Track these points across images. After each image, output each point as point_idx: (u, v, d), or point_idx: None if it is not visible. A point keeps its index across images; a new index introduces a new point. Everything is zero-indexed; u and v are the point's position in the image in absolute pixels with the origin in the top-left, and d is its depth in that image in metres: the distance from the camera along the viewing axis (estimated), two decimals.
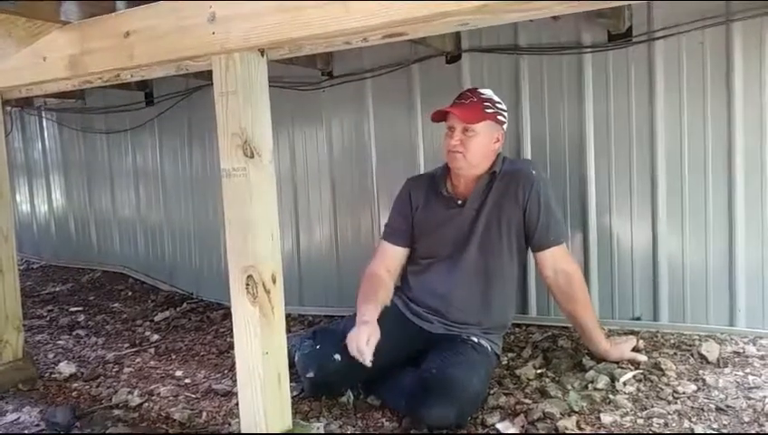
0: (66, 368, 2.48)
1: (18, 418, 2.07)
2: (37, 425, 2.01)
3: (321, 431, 1.72)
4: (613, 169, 2.41)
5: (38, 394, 2.28)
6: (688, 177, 2.28)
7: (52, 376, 2.44)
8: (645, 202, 2.37)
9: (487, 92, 2.08)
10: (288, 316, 1.70)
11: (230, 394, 2.16)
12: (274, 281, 1.58)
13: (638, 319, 2.42)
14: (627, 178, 2.39)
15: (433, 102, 2.63)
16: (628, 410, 1.80)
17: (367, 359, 1.82)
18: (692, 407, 1.78)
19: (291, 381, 1.69)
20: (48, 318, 3.31)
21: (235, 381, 1.67)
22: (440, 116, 2.07)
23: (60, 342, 2.91)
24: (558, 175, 2.48)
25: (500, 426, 1.77)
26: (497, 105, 2.06)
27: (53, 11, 1.73)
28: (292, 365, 1.86)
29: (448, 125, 2.05)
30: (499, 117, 2.06)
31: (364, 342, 1.84)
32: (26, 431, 1.96)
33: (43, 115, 4.53)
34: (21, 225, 4.86)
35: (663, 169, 2.32)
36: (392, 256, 2.19)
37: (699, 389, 1.88)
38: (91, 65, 1.79)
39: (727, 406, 1.76)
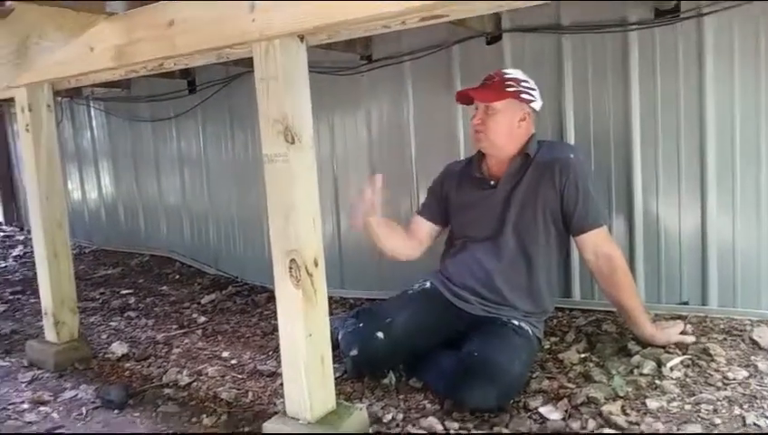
0: (119, 348, 2.58)
1: (76, 395, 2.17)
2: (93, 402, 2.10)
3: (364, 412, 1.74)
4: (660, 151, 2.34)
5: (93, 373, 2.38)
6: (740, 158, 2.19)
7: (106, 356, 2.54)
8: (693, 184, 2.29)
9: (513, 72, 2.09)
10: (330, 299, 1.73)
11: (275, 375, 2.21)
12: (316, 264, 1.61)
13: (686, 303, 2.36)
14: (674, 160, 2.32)
15: (473, 84, 2.60)
16: (675, 395, 1.76)
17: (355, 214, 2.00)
18: (743, 393, 1.73)
19: (333, 363, 1.72)
20: (100, 300, 3.44)
21: (280, 362, 1.71)
22: (465, 99, 2.09)
23: (112, 323, 3.02)
24: (602, 157, 2.43)
25: (543, 410, 1.76)
26: (522, 84, 2.04)
27: (100, 3, 1.78)
28: (334, 347, 1.89)
29: (474, 106, 2.08)
30: (523, 95, 2.04)
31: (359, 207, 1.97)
32: (84, 408, 2.05)
33: (91, 104, 4.67)
34: (73, 211, 5.03)
35: (713, 150, 2.24)
36: (416, 223, 2.29)
37: (751, 375, 1.83)
38: (136, 55, 1.83)
39: None
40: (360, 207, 1.99)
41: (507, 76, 2.06)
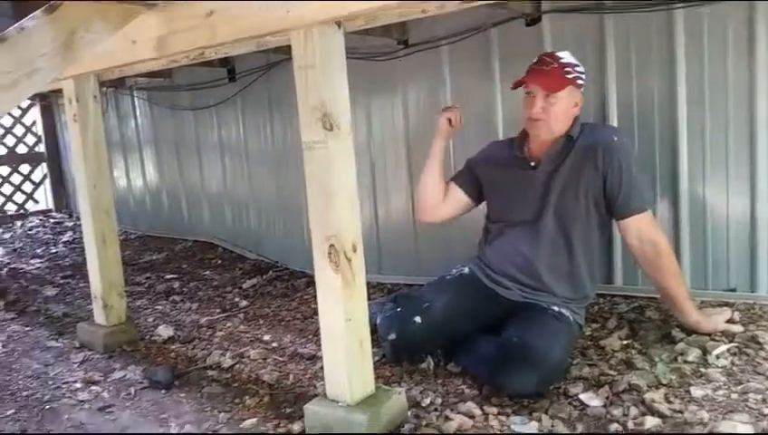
0: (164, 331, 2.66)
1: (125, 375, 2.25)
2: (141, 382, 2.18)
3: (403, 396, 1.76)
4: (707, 134, 2.26)
5: (140, 355, 2.46)
6: None
7: (152, 338, 2.62)
8: (743, 168, 2.22)
9: (566, 55, 2.03)
10: (368, 284, 1.74)
11: (315, 358, 2.25)
12: (355, 250, 1.62)
13: (734, 290, 2.29)
14: (722, 143, 2.24)
15: (512, 68, 2.57)
16: (721, 384, 1.73)
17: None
18: None
19: (372, 347, 1.74)
20: (146, 285, 3.54)
21: (320, 345, 1.74)
22: (518, 82, 2.04)
23: (158, 307, 3.11)
24: (646, 141, 2.37)
25: (583, 396, 1.75)
26: (576, 69, 2.01)
27: None
28: (373, 332, 1.91)
29: (526, 91, 2.02)
30: (578, 81, 2.01)
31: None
32: (132, 388, 2.13)
33: (135, 94, 4.77)
34: (119, 199, 5.17)
35: (764, 134, 2.16)
36: (448, 188, 2.29)
37: None
38: (177, 45, 1.87)
39: None
40: (451, 113, 2.21)
41: (563, 61, 2.01)
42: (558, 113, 1.99)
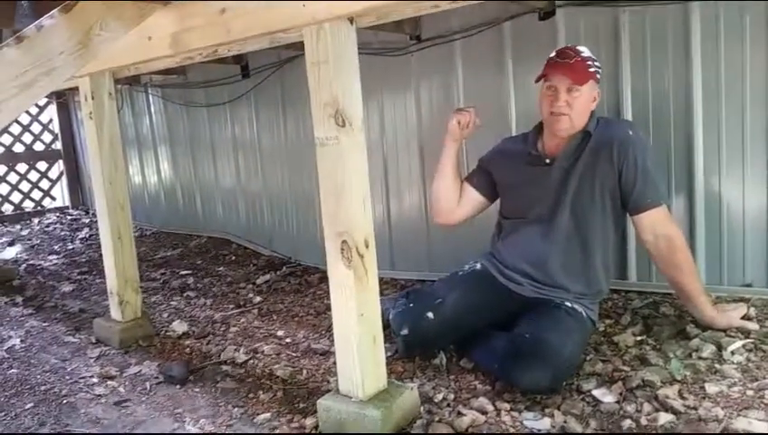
0: (179, 326, 2.69)
1: (140, 370, 2.27)
2: (156, 377, 2.20)
3: (415, 391, 1.77)
4: (724, 128, 2.23)
5: (155, 350, 2.49)
6: None
7: (167, 334, 2.65)
8: (760, 162, 2.19)
9: (585, 50, 2.01)
10: (380, 280, 1.75)
11: (328, 353, 2.26)
12: (367, 246, 1.63)
13: (749, 286, 2.27)
14: (739, 138, 2.21)
15: (526, 62, 2.56)
16: (737, 380, 1.71)
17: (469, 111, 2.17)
18: None
19: (385, 343, 1.75)
20: (161, 281, 3.58)
21: (333, 341, 1.75)
22: (542, 76, 2.01)
23: (173, 302, 3.15)
24: (661, 136, 2.35)
25: (596, 392, 1.74)
26: (595, 63, 2.00)
27: None
28: (385, 327, 1.91)
29: (548, 85, 1.99)
30: (598, 75, 2.00)
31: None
32: (148, 383, 2.15)
33: (150, 91, 4.81)
34: (134, 195, 5.22)
35: None
36: (462, 189, 2.28)
37: None
38: (191, 42, 1.88)
39: None
40: (461, 115, 2.16)
41: (584, 55, 1.98)
42: (579, 107, 1.96)
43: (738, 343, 1.88)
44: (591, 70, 1.97)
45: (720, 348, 1.87)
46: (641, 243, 2.05)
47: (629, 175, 1.95)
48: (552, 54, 2.02)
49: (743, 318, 2.00)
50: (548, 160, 2.06)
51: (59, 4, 1.59)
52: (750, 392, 1.65)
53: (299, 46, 1.66)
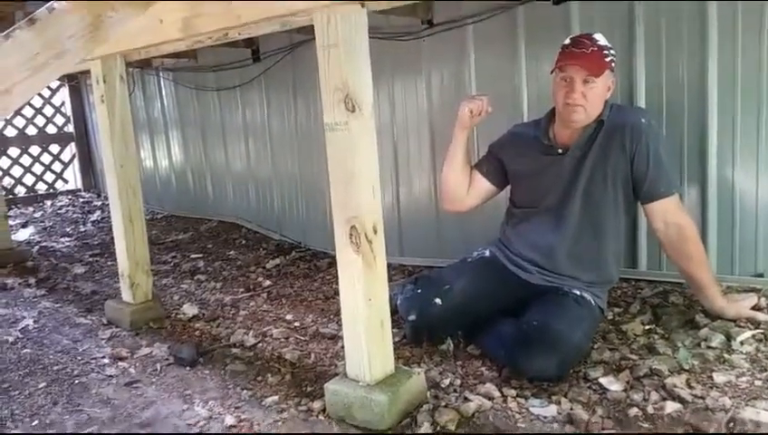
0: (189, 309, 2.71)
1: (151, 352, 2.30)
2: (166, 359, 2.23)
3: (422, 377, 1.77)
4: (738, 119, 2.20)
5: (166, 332, 2.51)
6: None
7: (178, 316, 2.68)
8: None
9: (601, 38, 1.96)
10: (389, 266, 1.75)
11: (336, 337, 2.27)
12: (376, 231, 1.63)
13: (761, 276, 2.25)
14: (754, 128, 2.18)
15: (538, 48, 2.53)
16: (745, 370, 1.71)
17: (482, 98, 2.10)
18: None
19: (393, 328, 1.75)
20: (172, 264, 3.61)
21: (341, 325, 1.76)
22: (559, 65, 1.95)
23: (183, 285, 3.17)
24: (674, 126, 2.31)
25: (603, 380, 1.74)
26: (611, 51, 1.95)
27: None
28: (393, 313, 1.92)
29: (562, 75, 1.93)
30: (613, 64, 1.96)
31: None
32: (158, 364, 2.18)
33: (161, 75, 4.82)
34: (145, 179, 5.25)
35: None
36: (472, 176, 2.23)
37: None
38: (202, 26, 1.88)
39: None
40: (473, 104, 2.08)
41: (600, 44, 1.93)
42: (595, 98, 1.92)
43: (747, 334, 1.87)
44: (607, 59, 1.92)
45: (729, 338, 1.86)
46: (652, 231, 2.04)
47: (641, 162, 1.93)
48: (567, 42, 1.97)
49: (753, 308, 1.99)
50: (561, 150, 2.04)
51: None
52: (758, 383, 1.64)
53: (310, 30, 1.65)
